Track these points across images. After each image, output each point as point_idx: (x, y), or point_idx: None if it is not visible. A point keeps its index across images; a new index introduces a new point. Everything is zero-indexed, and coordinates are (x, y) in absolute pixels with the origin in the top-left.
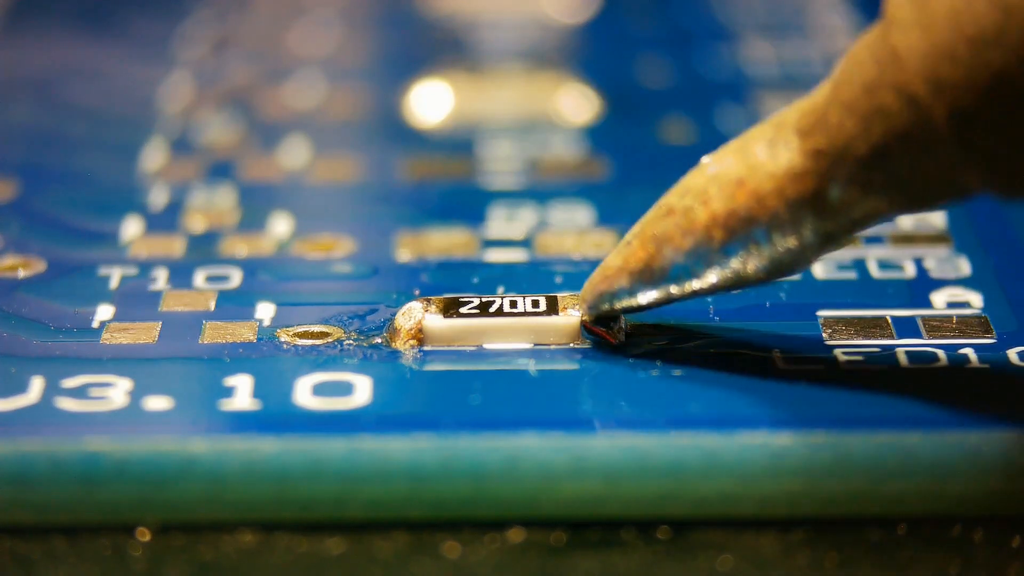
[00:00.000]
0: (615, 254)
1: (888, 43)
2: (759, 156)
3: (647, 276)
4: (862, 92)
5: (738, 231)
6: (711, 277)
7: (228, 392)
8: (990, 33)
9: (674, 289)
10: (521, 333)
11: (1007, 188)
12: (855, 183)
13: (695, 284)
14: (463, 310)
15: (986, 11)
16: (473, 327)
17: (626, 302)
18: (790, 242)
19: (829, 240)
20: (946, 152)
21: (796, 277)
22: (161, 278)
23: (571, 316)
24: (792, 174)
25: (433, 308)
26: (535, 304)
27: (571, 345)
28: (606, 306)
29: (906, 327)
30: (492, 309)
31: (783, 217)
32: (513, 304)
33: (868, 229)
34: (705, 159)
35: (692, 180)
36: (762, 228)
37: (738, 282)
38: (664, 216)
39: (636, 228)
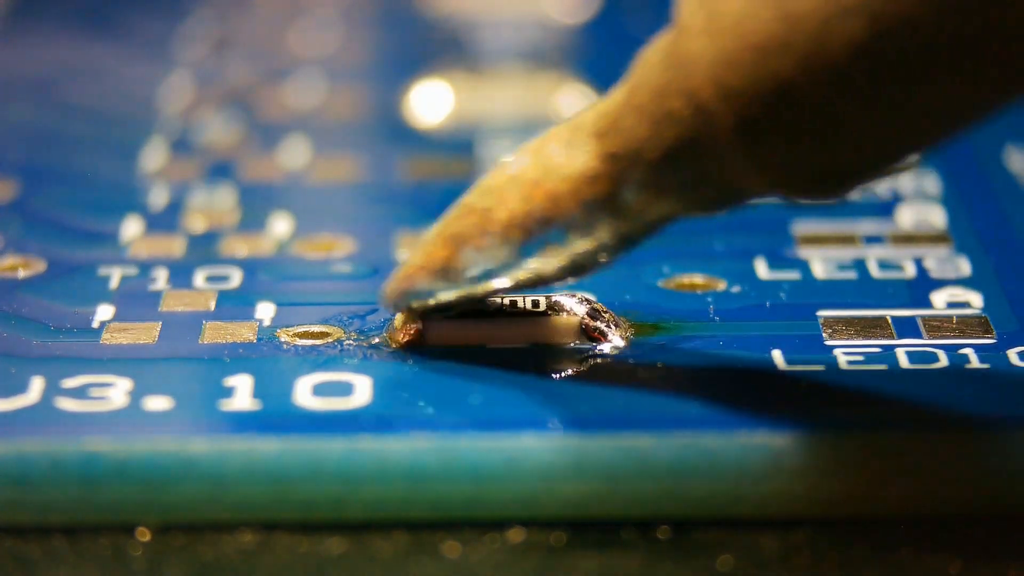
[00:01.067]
0: (416, 252)
1: (678, 49)
2: (555, 158)
3: (447, 275)
4: (654, 97)
5: (535, 232)
6: (511, 276)
7: (228, 392)
8: (775, 42)
9: (476, 287)
10: (521, 333)
11: (792, 193)
12: (648, 186)
13: (495, 283)
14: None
15: (771, 21)
16: (473, 327)
17: (425, 301)
18: (587, 243)
19: (626, 240)
20: (733, 157)
21: (593, 272)
22: (161, 278)
23: (573, 315)
24: (587, 177)
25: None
26: (535, 304)
27: (571, 344)
28: (410, 304)
29: (906, 327)
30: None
31: (579, 218)
32: (513, 304)
33: (664, 229)
34: (505, 158)
35: (491, 180)
36: (559, 229)
37: (538, 281)
38: (463, 216)
39: (437, 227)
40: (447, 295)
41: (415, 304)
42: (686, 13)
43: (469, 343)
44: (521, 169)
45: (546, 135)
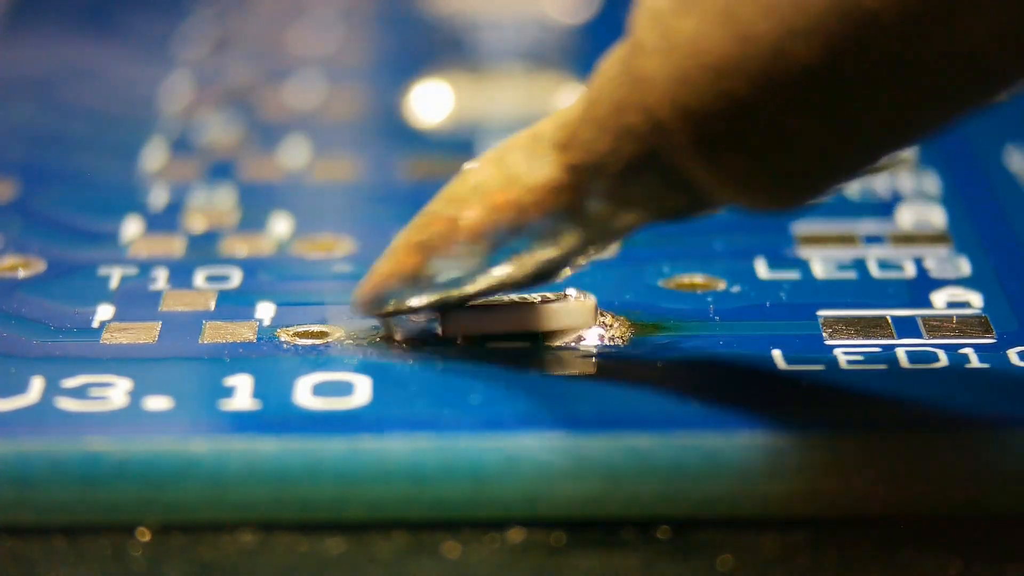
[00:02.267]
0: (384, 260)
1: (634, 65)
2: (517, 168)
3: (418, 282)
4: (612, 111)
5: (501, 241)
6: (480, 283)
7: (228, 392)
8: (730, 63)
9: (446, 293)
10: (539, 319)
11: (753, 203)
12: (612, 197)
13: (466, 289)
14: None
15: (725, 41)
16: (490, 317)
17: (400, 304)
18: (553, 250)
19: (592, 246)
20: (693, 171)
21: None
22: (161, 278)
23: (589, 298)
24: (550, 187)
25: None
26: (545, 299)
27: (578, 343)
28: (381, 309)
29: (906, 327)
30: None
31: (544, 228)
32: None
33: (631, 235)
34: (467, 165)
35: (455, 189)
36: (524, 238)
37: (508, 286)
38: (430, 224)
39: (403, 235)
40: (418, 300)
41: (391, 308)
42: (640, 29)
43: (486, 333)
44: (484, 178)
45: (505, 144)
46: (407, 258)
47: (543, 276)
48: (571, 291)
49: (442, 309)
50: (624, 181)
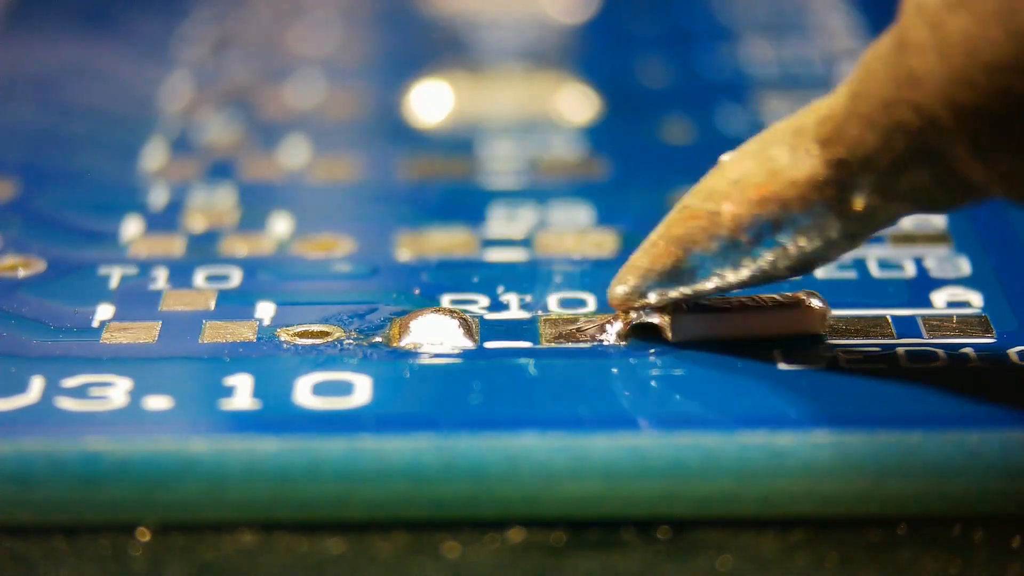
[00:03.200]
0: (641, 254)
1: (905, 63)
2: (780, 162)
3: (676, 276)
4: (881, 107)
5: (764, 235)
6: (740, 276)
7: (228, 392)
8: (1007, 60)
9: (704, 286)
10: (770, 324)
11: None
12: (878, 192)
13: (725, 282)
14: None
15: (1002, 39)
16: (720, 321)
17: (656, 299)
18: (815, 243)
19: (855, 239)
20: (966, 167)
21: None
22: (161, 278)
23: (820, 305)
24: (814, 182)
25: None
26: (776, 302)
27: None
28: (638, 301)
29: (906, 327)
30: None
31: (807, 222)
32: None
33: (893, 225)
34: (724, 158)
35: (714, 183)
36: (787, 232)
37: (767, 279)
38: (688, 219)
39: (660, 229)
40: (675, 293)
41: (646, 301)
42: (908, 27)
43: (716, 336)
44: (744, 173)
45: (763, 138)
46: (666, 253)
47: (801, 269)
48: (803, 295)
49: (672, 311)
50: (892, 176)
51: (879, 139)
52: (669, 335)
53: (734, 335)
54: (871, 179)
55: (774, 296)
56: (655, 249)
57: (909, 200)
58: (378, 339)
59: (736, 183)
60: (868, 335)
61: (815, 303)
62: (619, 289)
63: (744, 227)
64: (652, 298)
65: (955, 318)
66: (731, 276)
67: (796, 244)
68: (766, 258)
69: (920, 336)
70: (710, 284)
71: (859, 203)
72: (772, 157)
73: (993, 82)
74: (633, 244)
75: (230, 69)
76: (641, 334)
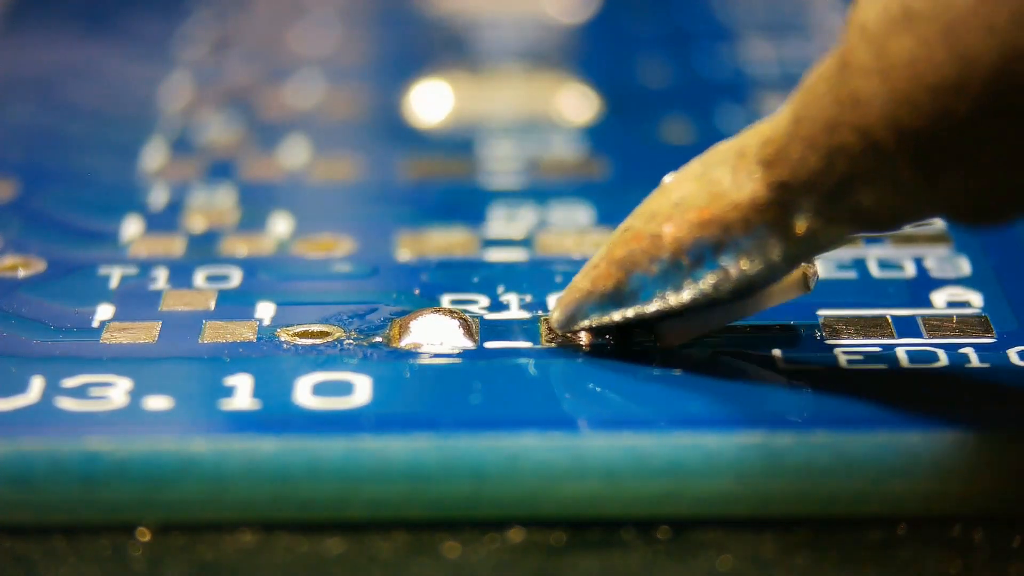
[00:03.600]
0: (583, 276)
1: (848, 85)
2: (722, 184)
3: (617, 298)
4: (823, 129)
5: (705, 257)
6: (682, 299)
7: (228, 392)
8: (951, 82)
9: (646, 308)
10: (752, 304)
11: (964, 219)
12: (820, 214)
13: (667, 304)
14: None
15: (946, 61)
16: (704, 317)
17: (597, 321)
18: (757, 265)
19: (796, 260)
20: (910, 190)
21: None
22: (161, 278)
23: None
24: (756, 205)
25: None
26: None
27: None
28: (577, 324)
29: (906, 327)
30: None
31: (749, 244)
32: None
33: (835, 248)
34: (667, 179)
35: (656, 204)
36: (729, 255)
37: (708, 301)
38: (630, 241)
39: (602, 251)
40: (617, 316)
41: (588, 324)
42: (851, 49)
43: (706, 334)
44: (686, 195)
45: (706, 159)
46: (608, 275)
47: (743, 292)
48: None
49: (650, 323)
50: (834, 198)
51: (821, 161)
52: (659, 342)
53: (720, 326)
54: (813, 201)
55: None
56: (596, 271)
57: (851, 222)
58: (378, 339)
59: (678, 205)
60: (868, 335)
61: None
62: (557, 313)
63: (685, 249)
64: (592, 321)
65: (955, 318)
66: (672, 299)
67: (738, 267)
68: (708, 280)
69: (920, 336)
70: (652, 307)
71: (801, 226)
72: (714, 179)
73: (936, 104)
74: None
75: (230, 69)
76: (641, 334)
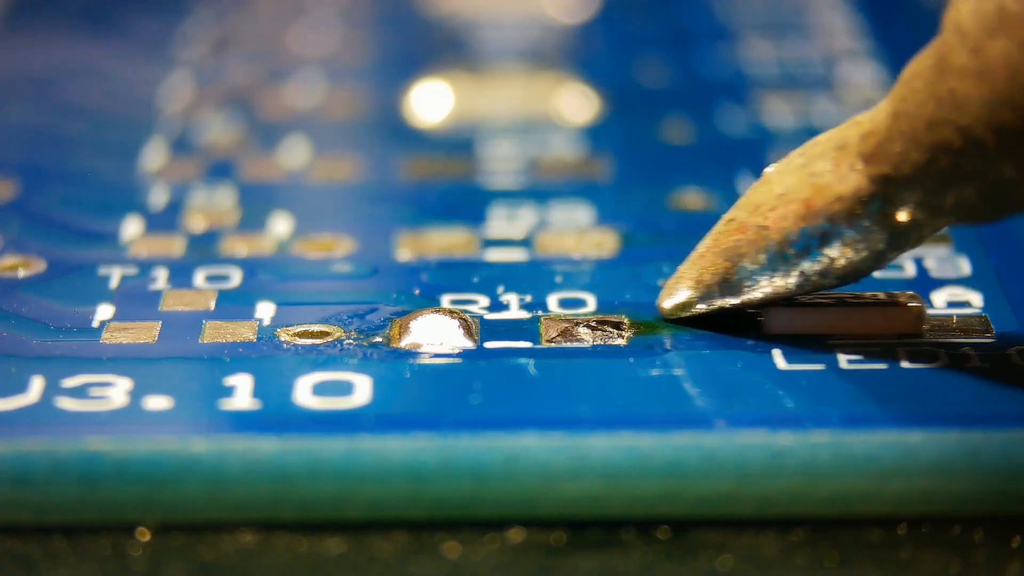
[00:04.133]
0: (689, 265)
1: (946, 85)
2: (825, 177)
3: (724, 288)
4: (924, 127)
5: (811, 248)
6: (787, 286)
7: (228, 392)
8: None
9: (752, 296)
10: (863, 322)
11: None
12: (923, 207)
13: (774, 292)
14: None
15: None
16: (815, 316)
17: (703, 309)
18: (863, 254)
19: (901, 248)
20: (1012, 186)
21: None
22: (161, 278)
23: (915, 305)
24: (860, 197)
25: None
26: (873, 298)
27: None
28: (686, 312)
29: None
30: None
31: (853, 234)
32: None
33: (934, 235)
34: (768, 170)
35: (759, 196)
36: (834, 245)
37: (814, 288)
38: (735, 231)
39: (707, 241)
40: (722, 303)
41: (693, 312)
42: (948, 50)
43: (810, 332)
44: (789, 187)
45: (807, 152)
46: (714, 264)
47: (849, 278)
48: (901, 295)
49: (756, 309)
50: (937, 193)
51: (923, 157)
52: (763, 328)
53: (828, 331)
54: (916, 195)
55: (874, 294)
56: (703, 261)
57: (953, 214)
58: (378, 339)
59: (782, 197)
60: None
61: (912, 304)
62: (668, 301)
63: (792, 241)
64: (702, 308)
65: (955, 318)
66: (780, 287)
67: (844, 256)
68: (814, 269)
69: (920, 336)
70: (758, 294)
71: (904, 217)
72: (817, 172)
73: None
74: (633, 244)
75: (230, 69)
76: (641, 334)
